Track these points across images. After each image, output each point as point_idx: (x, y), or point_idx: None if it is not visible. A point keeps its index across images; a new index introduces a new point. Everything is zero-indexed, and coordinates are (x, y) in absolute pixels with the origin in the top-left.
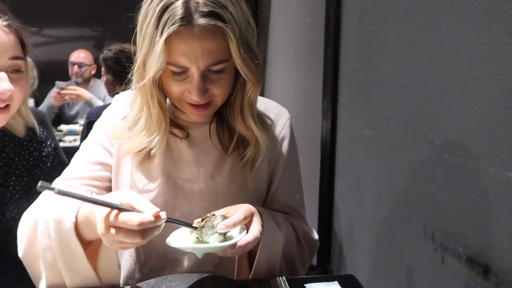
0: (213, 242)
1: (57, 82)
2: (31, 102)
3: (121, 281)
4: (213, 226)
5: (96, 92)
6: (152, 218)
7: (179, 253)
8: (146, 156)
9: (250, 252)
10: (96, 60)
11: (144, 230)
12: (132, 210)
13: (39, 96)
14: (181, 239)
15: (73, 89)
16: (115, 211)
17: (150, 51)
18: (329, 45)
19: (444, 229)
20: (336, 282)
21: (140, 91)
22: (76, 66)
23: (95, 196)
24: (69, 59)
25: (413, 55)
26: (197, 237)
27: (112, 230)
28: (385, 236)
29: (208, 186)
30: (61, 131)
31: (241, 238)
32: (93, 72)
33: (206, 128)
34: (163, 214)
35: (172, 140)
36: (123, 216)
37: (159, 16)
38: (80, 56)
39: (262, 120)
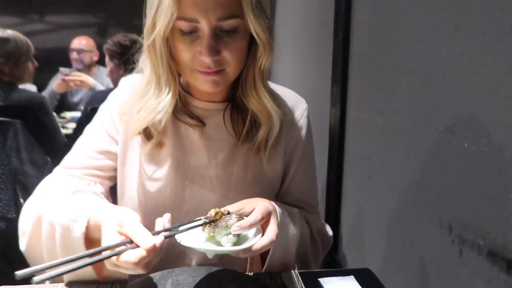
0: (226, 244)
1: (61, 69)
2: (33, 88)
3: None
4: (227, 226)
5: (99, 80)
6: (146, 254)
7: (184, 247)
8: (155, 145)
9: None
10: (99, 47)
11: (144, 264)
12: (129, 244)
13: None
14: (192, 236)
15: (77, 75)
16: (115, 257)
17: (159, 5)
18: (339, 30)
19: (463, 220)
20: (352, 277)
21: (149, 53)
22: (75, 52)
23: (82, 254)
24: (70, 46)
25: (433, 38)
26: (209, 233)
27: (116, 267)
28: (397, 227)
29: (220, 175)
30: (64, 118)
31: (256, 241)
32: (95, 58)
33: (220, 116)
34: (159, 240)
35: (184, 128)
36: (122, 258)
37: None
38: (81, 42)
39: (276, 99)
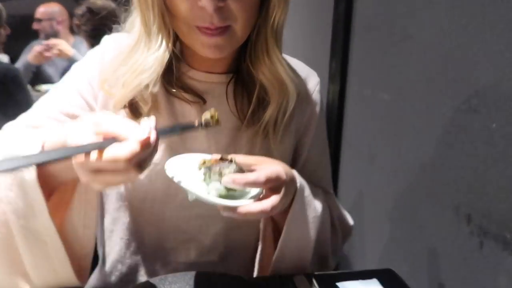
0: (211, 192)
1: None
2: (5, 58)
3: (108, 264)
4: (220, 174)
5: (77, 50)
6: (140, 147)
7: (178, 242)
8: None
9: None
10: (71, 15)
11: (137, 163)
12: (112, 141)
13: (11, 51)
14: (183, 170)
15: (56, 43)
16: (95, 151)
17: None
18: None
19: (485, 210)
20: (375, 280)
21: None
22: (35, 23)
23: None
24: (35, 15)
25: (450, 5)
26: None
27: (98, 174)
28: (403, 214)
29: None
30: (39, 91)
31: (244, 203)
32: (58, 27)
33: (221, 91)
34: (153, 135)
35: (179, 105)
36: (107, 155)
37: None
38: (39, 10)
39: (291, 68)
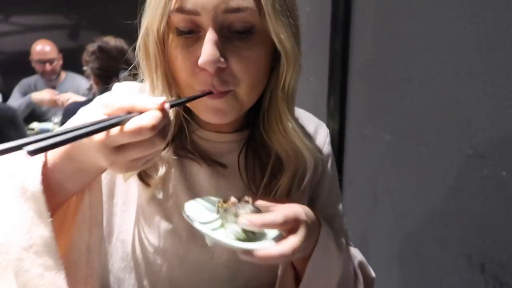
0: (229, 235)
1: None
2: None
3: None
4: (236, 215)
5: (69, 85)
6: (162, 114)
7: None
8: (155, 184)
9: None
10: (72, 51)
11: (160, 131)
12: (129, 115)
13: (4, 88)
14: (199, 212)
15: (69, 98)
16: (116, 127)
17: (155, 2)
18: (336, 37)
19: (500, 259)
20: None
21: (142, 57)
22: (47, 64)
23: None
24: (34, 56)
25: (455, 50)
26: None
27: (122, 152)
28: (412, 259)
29: None
30: (33, 129)
31: (266, 246)
32: (61, 62)
33: (232, 153)
34: (167, 105)
35: (189, 165)
36: (130, 126)
37: None
38: (45, 49)
39: (304, 130)
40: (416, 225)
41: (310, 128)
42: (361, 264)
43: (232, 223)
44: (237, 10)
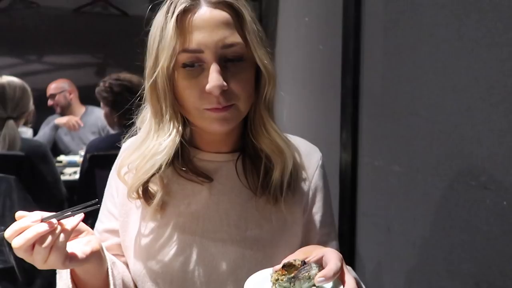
0: None
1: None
2: (29, 132)
3: None
4: (309, 278)
5: (88, 118)
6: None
7: None
8: (158, 207)
9: None
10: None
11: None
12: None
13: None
14: None
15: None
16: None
17: (161, 40)
18: (347, 74)
19: (505, 287)
20: None
21: (151, 94)
22: (49, 100)
23: None
24: (48, 92)
25: (457, 86)
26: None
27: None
28: (423, 287)
29: (233, 235)
30: (61, 162)
31: None
32: (71, 97)
33: (230, 168)
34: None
35: (190, 186)
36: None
37: (167, 10)
38: (50, 87)
39: (287, 139)
40: (427, 254)
41: (304, 150)
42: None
43: (306, 286)
44: (231, 45)
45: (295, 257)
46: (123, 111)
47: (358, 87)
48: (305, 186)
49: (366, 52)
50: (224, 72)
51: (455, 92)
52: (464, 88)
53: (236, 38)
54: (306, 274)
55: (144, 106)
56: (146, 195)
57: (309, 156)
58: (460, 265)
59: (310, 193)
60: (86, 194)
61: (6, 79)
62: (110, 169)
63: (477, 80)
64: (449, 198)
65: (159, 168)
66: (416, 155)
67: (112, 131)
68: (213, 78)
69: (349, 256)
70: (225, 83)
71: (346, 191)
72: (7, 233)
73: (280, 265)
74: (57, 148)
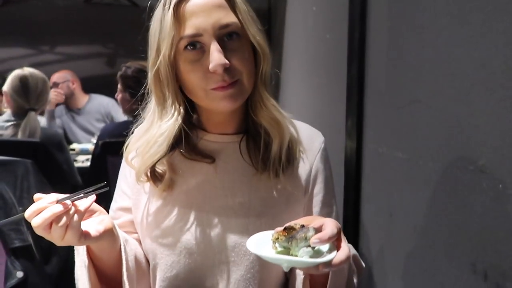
0: (304, 257)
1: None
2: (42, 121)
3: None
4: (306, 239)
5: (91, 105)
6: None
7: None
8: (167, 187)
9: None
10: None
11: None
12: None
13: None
14: (262, 246)
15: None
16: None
17: (161, 30)
18: (353, 63)
19: (499, 267)
20: None
21: (154, 83)
22: (52, 89)
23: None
24: (51, 80)
25: (456, 73)
26: (276, 247)
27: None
28: (424, 271)
29: (238, 210)
30: (74, 150)
31: (334, 255)
32: (73, 86)
33: (234, 148)
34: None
35: (198, 165)
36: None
37: (163, 3)
38: (54, 76)
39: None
40: (427, 239)
41: (305, 132)
42: (354, 257)
43: (302, 246)
44: (227, 25)
45: (297, 222)
46: (140, 97)
47: (363, 76)
48: (306, 167)
49: (371, 42)
50: (224, 51)
51: (456, 80)
52: (465, 76)
53: (230, 18)
54: (303, 235)
55: (150, 99)
56: (154, 177)
57: (312, 139)
58: (457, 247)
59: (312, 174)
60: (97, 181)
61: (28, 70)
62: (121, 155)
63: (474, 67)
64: (448, 183)
65: (164, 151)
66: (418, 142)
67: (120, 119)
68: (215, 57)
69: (353, 239)
70: (227, 61)
71: (350, 178)
72: (27, 214)
73: (282, 228)
74: (66, 137)
